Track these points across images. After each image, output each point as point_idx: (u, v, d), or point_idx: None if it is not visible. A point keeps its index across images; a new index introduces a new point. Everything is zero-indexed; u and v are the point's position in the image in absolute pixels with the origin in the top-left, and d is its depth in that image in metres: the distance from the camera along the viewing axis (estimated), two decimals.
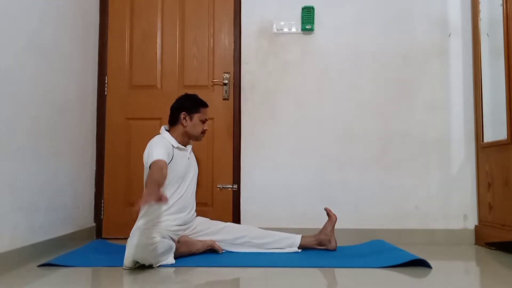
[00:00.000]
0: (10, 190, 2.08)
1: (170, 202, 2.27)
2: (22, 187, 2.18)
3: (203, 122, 2.50)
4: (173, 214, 2.31)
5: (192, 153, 2.54)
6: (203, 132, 2.52)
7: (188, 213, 2.41)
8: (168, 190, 2.29)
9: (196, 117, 2.48)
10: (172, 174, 2.31)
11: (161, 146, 2.30)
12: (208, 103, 2.56)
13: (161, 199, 1.93)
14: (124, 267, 2.03)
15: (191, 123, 2.47)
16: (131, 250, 2.01)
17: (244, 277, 2.01)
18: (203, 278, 1.97)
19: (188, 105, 2.48)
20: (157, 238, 2.04)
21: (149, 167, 2.22)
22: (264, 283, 1.89)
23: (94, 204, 3.10)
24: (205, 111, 2.53)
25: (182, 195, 2.38)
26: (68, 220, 2.70)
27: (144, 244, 1.99)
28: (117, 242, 2.77)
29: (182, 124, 2.45)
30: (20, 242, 2.15)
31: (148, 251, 2.00)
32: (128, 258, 2.01)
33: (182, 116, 2.45)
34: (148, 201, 1.94)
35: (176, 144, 2.40)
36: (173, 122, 2.48)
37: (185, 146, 2.47)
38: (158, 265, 2.08)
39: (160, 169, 2.16)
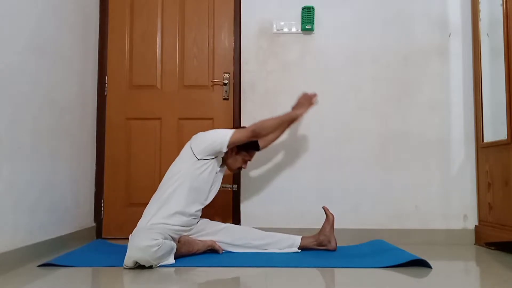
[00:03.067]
0: (10, 190, 2.08)
1: (188, 203, 2.33)
2: (22, 187, 2.18)
3: (245, 162, 2.52)
4: (182, 216, 2.32)
5: (222, 171, 2.54)
6: (239, 168, 2.56)
7: (195, 218, 2.42)
8: (190, 192, 2.34)
9: (241, 155, 2.51)
10: (200, 175, 2.36)
11: (219, 130, 2.48)
12: (259, 146, 2.58)
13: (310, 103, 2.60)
14: (125, 266, 2.04)
15: (233, 157, 2.49)
16: (133, 251, 2.01)
17: (244, 277, 2.01)
18: (203, 278, 1.97)
19: None
20: (160, 240, 2.04)
21: (234, 136, 2.37)
22: (264, 283, 1.89)
23: (94, 204, 3.10)
24: (253, 154, 2.56)
25: (199, 203, 2.41)
26: (68, 220, 2.70)
27: (146, 246, 1.99)
28: (117, 242, 2.77)
29: (226, 153, 2.45)
30: (20, 242, 2.15)
31: (149, 253, 2.00)
32: (129, 258, 2.01)
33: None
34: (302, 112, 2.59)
35: None
36: None
37: None
38: (158, 265, 2.08)
39: (265, 120, 2.48)
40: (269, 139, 2.72)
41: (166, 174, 2.47)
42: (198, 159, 2.36)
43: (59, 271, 2.01)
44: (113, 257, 2.25)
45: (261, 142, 2.61)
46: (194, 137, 2.48)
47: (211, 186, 2.45)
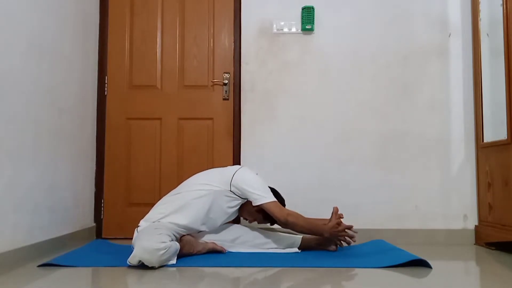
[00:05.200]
0: (10, 190, 2.08)
1: (199, 223, 2.33)
2: (22, 187, 2.18)
3: (254, 220, 2.51)
4: (189, 229, 2.32)
5: (238, 211, 2.51)
6: (245, 219, 2.55)
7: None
8: (206, 215, 2.34)
9: (258, 215, 2.48)
10: (223, 204, 2.37)
11: (265, 185, 2.42)
12: None
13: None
14: (129, 263, 2.03)
15: (252, 211, 2.45)
16: (140, 251, 2.00)
17: (244, 277, 2.01)
18: (203, 278, 1.97)
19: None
20: (167, 243, 2.05)
21: (267, 205, 2.34)
22: (264, 283, 1.89)
23: (94, 204, 3.10)
24: (265, 223, 2.54)
25: (208, 227, 2.41)
26: (68, 220, 2.70)
27: (154, 249, 1.99)
28: (117, 242, 2.78)
29: (252, 203, 2.39)
30: (20, 242, 2.15)
31: (156, 257, 2.00)
32: (135, 257, 2.00)
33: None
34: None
35: None
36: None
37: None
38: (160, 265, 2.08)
39: (300, 219, 2.37)
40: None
41: (195, 176, 2.47)
42: (230, 190, 2.36)
43: (59, 271, 2.01)
44: (113, 257, 2.26)
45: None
46: (244, 170, 2.42)
47: (225, 218, 2.45)
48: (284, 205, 2.52)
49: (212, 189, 2.35)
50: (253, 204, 2.37)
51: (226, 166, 3.07)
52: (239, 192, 2.37)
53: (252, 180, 2.38)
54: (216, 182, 2.38)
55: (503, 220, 2.62)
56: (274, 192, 2.47)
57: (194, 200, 2.33)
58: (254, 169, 2.99)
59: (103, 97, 3.17)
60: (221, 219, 2.42)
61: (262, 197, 2.34)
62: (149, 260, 2.00)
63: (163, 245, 2.02)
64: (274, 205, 2.35)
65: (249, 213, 2.48)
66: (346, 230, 2.45)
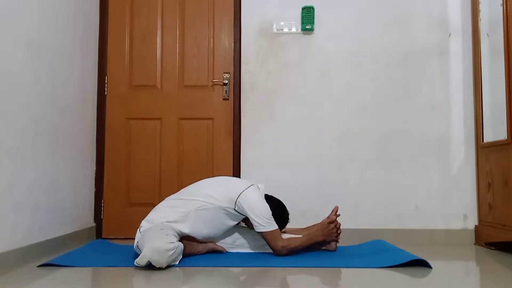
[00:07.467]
0: (10, 190, 2.08)
1: (200, 236, 2.35)
2: (22, 187, 2.18)
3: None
4: (190, 235, 2.33)
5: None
6: (246, 225, 2.54)
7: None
8: (208, 232, 2.36)
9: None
10: (225, 219, 2.37)
11: (268, 210, 2.37)
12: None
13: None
14: (137, 264, 2.03)
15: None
16: (150, 252, 2.00)
17: (244, 277, 2.01)
18: (204, 278, 1.97)
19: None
20: (175, 243, 2.07)
21: (271, 233, 2.34)
22: (264, 283, 1.89)
23: (94, 204, 3.10)
24: None
25: (206, 238, 2.41)
26: (68, 220, 2.70)
27: (164, 250, 2.00)
28: (117, 242, 2.78)
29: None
30: (20, 242, 2.15)
31: (166, 257, 2.01)
32: (144, 257, 2.00)
33: None
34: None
35: None
36: None
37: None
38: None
39: (293, 248, 2.37)
40: None
41: (201, 184, 2.46)
42: (234, 209, 2.35)
43: (59, 271, 2.01)
44: (113, 257, 2.26)
45: None
46: (250, 192, 2.35)
47: (226, 230, 2.45)
48: (287, 221, 2.52)
49: (217, 204, 2.33)
50: (254, 229, 2.37)
51: (226, 166, 3.09)
52: (243, 213, 2.37)
53: (255, 205, 2.35)
54: (221, 197, 2.35)
55: (503, 220, 2.62)
56: (280, 206, 2.48)
57: (198, 211, 2.31)
58: (254, 168, 3.01)
59: (103, 97, 3.17)
60: (222, 231, 2.43)
61: (262, 226, 2.33)
62: (158, 260, 2.00)
63: (171, 245, 2.04)
64: (272, 235, 2.34)
65: (251, 223, 2.48)
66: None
